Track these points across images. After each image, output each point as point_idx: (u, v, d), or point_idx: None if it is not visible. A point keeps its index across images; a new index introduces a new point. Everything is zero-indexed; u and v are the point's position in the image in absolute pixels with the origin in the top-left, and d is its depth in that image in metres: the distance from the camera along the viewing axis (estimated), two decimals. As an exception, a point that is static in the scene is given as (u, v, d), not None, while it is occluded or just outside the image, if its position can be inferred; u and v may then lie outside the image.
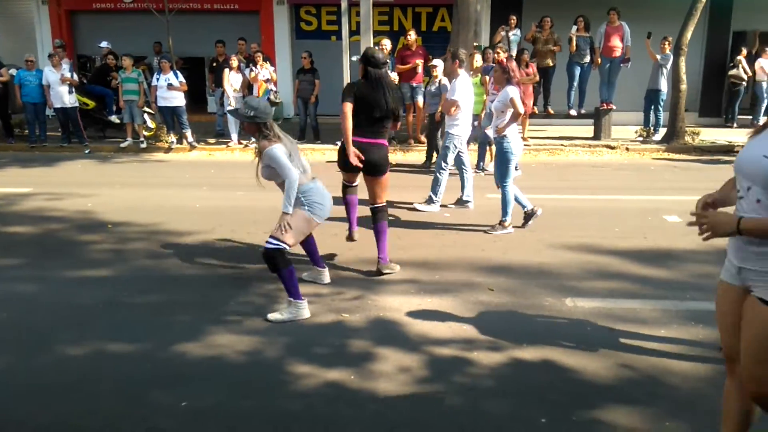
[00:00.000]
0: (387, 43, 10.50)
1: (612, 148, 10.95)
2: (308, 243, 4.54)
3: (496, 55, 9.47)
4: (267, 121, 3.94)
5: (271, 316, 4.01)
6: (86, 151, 10.87)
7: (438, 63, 8.94)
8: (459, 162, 6.92)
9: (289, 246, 3.95)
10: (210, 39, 12.20)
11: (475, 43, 10.02)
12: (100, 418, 2.95)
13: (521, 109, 5.80)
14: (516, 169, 6.49)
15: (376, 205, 4.88)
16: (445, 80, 8.69)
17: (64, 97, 10.62)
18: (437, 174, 6.78)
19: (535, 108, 11.53)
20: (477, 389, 3.19)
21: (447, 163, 6.78)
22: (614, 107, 11.38)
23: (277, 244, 3.90)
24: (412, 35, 10.91)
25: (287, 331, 3.83)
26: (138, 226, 6.24)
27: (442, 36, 13.34)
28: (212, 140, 11.53)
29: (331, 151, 10.61)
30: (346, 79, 11.01)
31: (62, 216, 6.68)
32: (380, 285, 4.60)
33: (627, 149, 10.85)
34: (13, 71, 10.91)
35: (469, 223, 6.26)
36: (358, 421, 2.91)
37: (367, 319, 4.03)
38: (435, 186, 6.79)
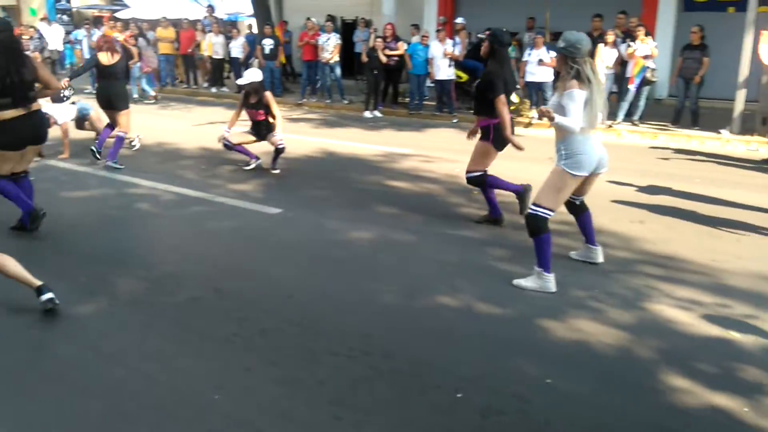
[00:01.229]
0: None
1: None
2: (583, 217, 4.53)
3: None
4: (576, 58, 3.87)
5: (517, 281, 4.16)
6: (454, 121, 11.79)
7: None
8: None
9: (552, 211, 4.08)
10: (587, 13, 11.92)
11: None
12: (467, 368, 3.17)
13: None
14: None
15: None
16: None
17: (444, 70, 11.67)
18: None
19: None
20: None
21: None
22: None
23: (536, 210, 4.07)
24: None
25: (661, 334, 3.55)
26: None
27: None
28: (573, 119, 11.34)
29: (710, 140, 9.50)
30: (745, 59, 9.58)
31: (433, 177, 7.37)
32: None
33: None
34: (404, 45, 12.37)
35: None
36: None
37: (764, 344, 3.45)
38: None
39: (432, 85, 12.48)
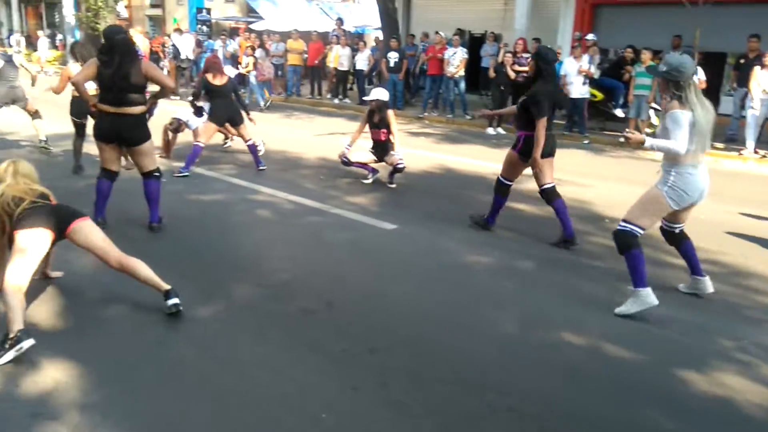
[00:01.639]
0: None
1: None
2: (684, 246, 4.36)
3: None
4: (680, 81, 3.85)
5: (618, 310, 4.04)
6: (585, 142, 11.34)
7: None
8: None
9: (642, 229, 4.03)
10: (742, 33, 11.11)
11: None
12: (593, 414, 2.96)
13: None
14: None
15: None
16: None
17: (578, 87, 11.29)
18: None
19: None
20: None
21: None
22: None
23: (625, 226, 4.04)
24: None
25: (825, 398, 3.14)
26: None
27: None
28: (720, 145, 10.56)
29: None
30: None
31: (560, 202, 7.07)
32: None
33: None
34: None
35: None
36: None
37: None
38: None
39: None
